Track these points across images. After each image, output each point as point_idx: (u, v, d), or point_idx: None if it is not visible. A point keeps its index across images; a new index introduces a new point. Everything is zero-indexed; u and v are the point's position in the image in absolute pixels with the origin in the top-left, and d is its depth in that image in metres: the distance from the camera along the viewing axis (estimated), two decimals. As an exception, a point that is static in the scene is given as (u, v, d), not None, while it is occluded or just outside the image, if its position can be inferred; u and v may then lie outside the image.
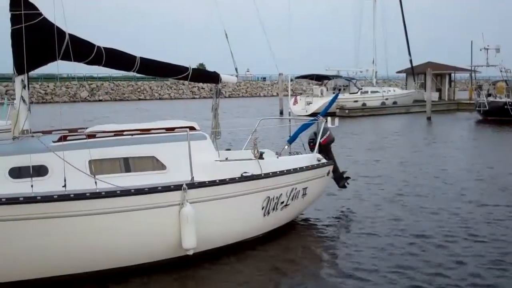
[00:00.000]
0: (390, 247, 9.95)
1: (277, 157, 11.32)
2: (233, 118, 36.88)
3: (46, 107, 50.96)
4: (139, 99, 77.13)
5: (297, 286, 8.32)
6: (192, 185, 8.86)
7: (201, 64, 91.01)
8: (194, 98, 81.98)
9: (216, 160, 10.02)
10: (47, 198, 7.73)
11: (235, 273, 8.88)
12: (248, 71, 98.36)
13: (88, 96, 72.55)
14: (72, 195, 7.91)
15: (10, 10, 9.15)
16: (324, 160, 11.65)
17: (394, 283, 8.31)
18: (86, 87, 73.04)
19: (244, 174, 9.75)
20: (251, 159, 10.23)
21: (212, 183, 9.15)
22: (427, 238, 10.45)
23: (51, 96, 70.21)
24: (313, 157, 11.50)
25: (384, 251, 9.75)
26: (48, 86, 70.99)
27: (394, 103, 49.34)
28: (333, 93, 44.55)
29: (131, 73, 11.58)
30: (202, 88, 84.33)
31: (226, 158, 10.65)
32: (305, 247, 10.33)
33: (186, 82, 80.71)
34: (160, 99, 78.96)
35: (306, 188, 11.00)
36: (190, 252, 8.74)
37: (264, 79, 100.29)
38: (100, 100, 72.34)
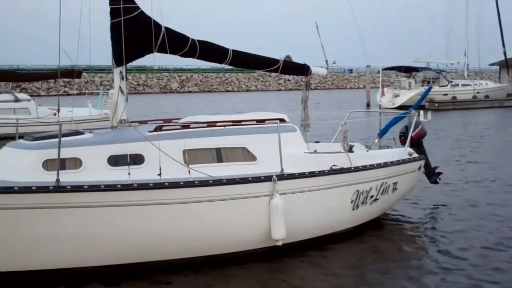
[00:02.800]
0: (482, 248, 9.56)
1: (367, 151, 11.19)
2: (321, 110, 36.68)
3: (138, 97, 52.70)
4: (227, 91, 78.33)
5: (383, 284, 8.20)
6: (282, 177, 8.92)
7: (288, 56, 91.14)
8: (280, 90, 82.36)
9: (305, 152, 10.04)
10: (143, 186, 8.01)
11: (322, 265, 8.87)
12: (334, 63, 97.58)
13: (178, 87, 74.38)
14: (167, 184, 8.15)
15: (110, 4, 9.53)
16: (415, 155, 11.40)
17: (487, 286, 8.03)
18: (176, 78, 74.93)
19: (333, 167, 9.71)
20: (340, 152, 10.17)
21: (302, 175, 9.17)
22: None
23: (143, 87, 72.63)
24: (404, 151, 11.27)
25: (475, 251, 9.39)
26: (140, 78, 73.41)
27: (486, 96, 47.51)
28: (422, 85, 43.44)
29: (219, 65, 11.79)
30: (288, 80, 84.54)
31: (315, 151, 10.64)
32: (394, 243, 10.13)
33: (274, 74, 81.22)
34: (247, 90, 79.86)
35: (396, 182, 10.81)
36: (280, 243, 8.80)
37: (350, 71, 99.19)
38: (189, 92, 74.03)
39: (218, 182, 8.44)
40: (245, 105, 43.89)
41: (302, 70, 11.36)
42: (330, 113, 30.22)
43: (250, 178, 8.69)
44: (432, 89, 43.19)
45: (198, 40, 10.10)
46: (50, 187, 7.65)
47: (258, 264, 8.82)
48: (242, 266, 8.71)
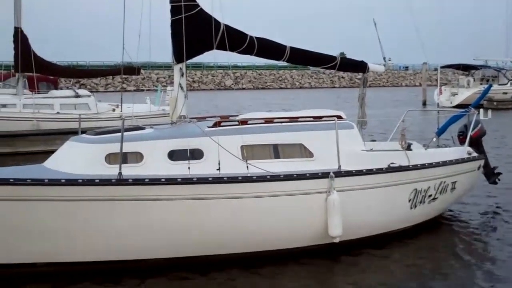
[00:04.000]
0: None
1: (425, 149, 11.04)
2: (377, 109, 36.27)
3: (193, 94, 53.23)
4: (280, 88, 78.33)
5: (439, 285, 8.06)
6: (339, 174, 8.91)
7: (342, 53, 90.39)
8: (333, 87, 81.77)
9: (362, 150, 9.99)
10: (203, 180, 8.15)
11: (378, 264, 8.84)
12: (389, 60, 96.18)
13: (233, 84, 74.86)
14: (225, 178, 8.27)
15: (170, 2, 9.72)
16: (474, 154, 11.18)
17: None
18: (231, 75, 75.45)
19: (391, 165, 9.64)
20: (398, 150, 10.08)
21: (359, 173, 9.13)
22: None
23: (198, 84, 73.40)
24: (463, 151, 11.07)
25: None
26: (195, 74, 74.24)
27: (548, 95, 45.90)
28: (480, 84, 42.38)
29: (273, 62, 11.87)
30: (342, 78, 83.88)
31: (371, 149, 10.58)
32: (450, 245, 9.95)
33: (328, 71, 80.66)
34: (300, 88, 79.65)
35: (455, 182, 10.63)
36: (336, 240, 8.80)
37: (406, 68, 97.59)
38: (243, 88, 74.37)
39: (275, 178, 8.50)
40: (299, 102, 43.78)
41: (360, 67, 11.31)
42: (385, 112, 29.84)
43: (307, 175, 8.72)
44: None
45: (256, 37, 10.20)
46: (113, 180, 7.88)
47: (314, 260, 8.83)
48: (297, 262, 8.74)
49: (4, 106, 22.31)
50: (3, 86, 28.06)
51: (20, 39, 22.61)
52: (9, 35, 23.23)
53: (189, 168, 8.48)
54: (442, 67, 50.44)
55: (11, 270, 7.98)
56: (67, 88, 32.17)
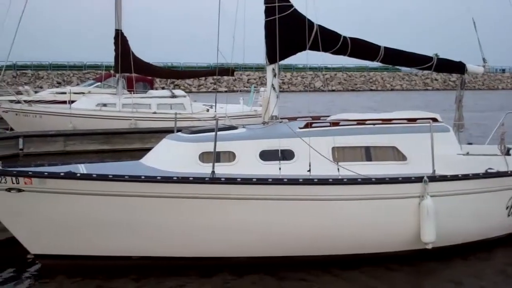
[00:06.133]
0: None
1: (526, 155, 10.53)
2: (473, 111, 35.00)
3: (283, 95, 53.41)
4: (371, 90, 77.21)
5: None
6: (434, 178, 8.66)
7: (436, 54, 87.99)
8: (426, 89, 79.68)
9: (458, 154, 9.67)
10: (294, 181, 8.16)
11: (473, 273, 8.55)
12: (485, 62, 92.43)
13: (322, 86, 74.62)
14: (316, 180, 8.25)
15: (265, 3, 9.82)
16: None
17: None
18: (320, 77, 75.22)
19: (488, 170, 9.27)
20: (497, 155, 9.68)
21: (454, 178, 8.85)
22: None
23: (288, 86, 73.65)
24: None
25: None
26: (285, 76, 74.54)
27: None
28: None
29: (363, 63, 11.73)
30: (435, 80, 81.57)
31: (467, 153, 10.21)
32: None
33: (420, 73, 78.55)
34: (391, 89, 78.16)
35: None
36: (429, 246, 8.56)
37: (503, 71, 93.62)
38: (332, 90, 73.91)
39: (367, 181, 8.39)
40: (390, 104, 42.94)
41: (458, 68, 10.96)
42: (485, 115, 28.70)
43: (400, 178, 8.54)
44: None
45: (349, 38, 10.11)
46: (206, 179, 8.04)
47: (405, 266, 8.65)
48: (387, 267, 8.58)
49: (104, 105, 23.36)
50: (103, 86, 29.40)
51: (120, 41, 23.58)
52: (109, 37, 24.31)
53: (280, 168, 8.54)
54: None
55: (109, 262, 8.33)
56: (163, 88, 33.15)
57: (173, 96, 24.41)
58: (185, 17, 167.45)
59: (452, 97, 11.06)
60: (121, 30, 23.94)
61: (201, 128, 9.58)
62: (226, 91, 32.71)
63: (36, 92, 33.04)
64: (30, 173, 7.91)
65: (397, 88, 79.46)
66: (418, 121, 9.63)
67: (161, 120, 21.79)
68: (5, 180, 7.82)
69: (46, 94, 30.41)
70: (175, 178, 8.05)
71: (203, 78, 66.55)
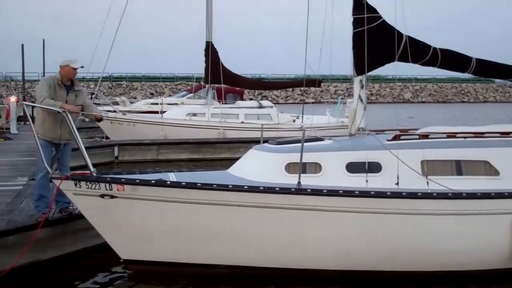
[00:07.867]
0: None
1: None
2: None
3: (371, 107, 52.73)
4: (462, 102, 74.79)
5: None
6: None
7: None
8: (523, 102, 76.23)
9: (557, 170, 9.20)
10: (381, 194, 8.06)
11: None
12: None
13: (412, 97, 73.12)
14: (404, 194, 8.11)
15: (353, 14, 9.80)
16: None
17: None
18: (410, 88, 73.74)
19: None
20: None
21: (550, 195, 8.43)
22: None
23: (375, 97, 72.69)
24: None
25: None
26: (373, 87, 73.63)
27: None
28: None
29: (455, 75, 11.43)
30: (534, 92, 77.94)
31: None
32: None
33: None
34: (484, 102, 75.36)
35: None
36: (523, 265, 8.21)
37: None
38: (422, 102, 72.22)
39: (458, 196, 8.15)
40: (483, 116, 41.40)
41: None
42: None
43: (492, 194, 8.24)
44: None
45: (440, 49, 9.92)
46: (292, 189, 8.09)
47: (494, 285, 8.39)
48: (477, 285, 8.33)
49: (194, 115, 24.01)
50: (195, 97, 30.24)
51: (210, 52, 24.18)
52: (199, 48, 25.01)
53: (366, 181, 8.45)
54: None
55: (196, 269, 8.52)
56: (250, 99, 33.65)
57: (260, 107, 24.73)
58: (277, 31, 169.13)
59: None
60: (211, 42, 24.55)
61: (288, 139, 9.65)
62: (313, 102, 32.79)
63: (131, 102, 34.52)
64: (123, 180, 8.24)
65: (490, 100, 76.55)
66: (512, 134, 9.28)
67: (248, 130, 22.13)
68: (99, 186, 8.16)
69: (141, 104, 31.76)
70: (261, 188, 8.15)
71: (291, 89, 66.87)
